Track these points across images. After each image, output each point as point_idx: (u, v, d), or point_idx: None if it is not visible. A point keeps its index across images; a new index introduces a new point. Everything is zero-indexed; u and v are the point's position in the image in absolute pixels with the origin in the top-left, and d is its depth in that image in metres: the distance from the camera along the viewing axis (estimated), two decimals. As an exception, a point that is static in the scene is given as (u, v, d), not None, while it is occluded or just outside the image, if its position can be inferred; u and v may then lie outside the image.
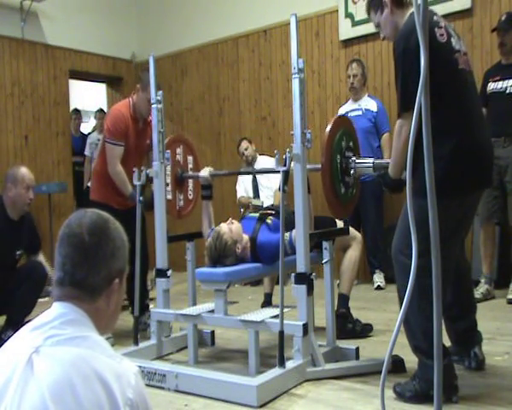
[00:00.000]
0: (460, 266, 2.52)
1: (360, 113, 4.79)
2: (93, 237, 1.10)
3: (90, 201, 3.80)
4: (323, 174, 2.66)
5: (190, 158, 3.65)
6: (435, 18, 2.32)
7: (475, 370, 2.57)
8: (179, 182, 3.52)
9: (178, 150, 3.54)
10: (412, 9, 2.40)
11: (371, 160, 2.73)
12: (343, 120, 2.92)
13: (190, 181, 3.62)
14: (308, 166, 2.75)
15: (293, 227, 2.68)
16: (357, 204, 4.82)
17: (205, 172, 3.35)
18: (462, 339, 2.61)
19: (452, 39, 2.31)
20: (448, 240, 2.16)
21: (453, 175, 2.19)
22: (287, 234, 2.84)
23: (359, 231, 4.78)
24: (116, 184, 3.64)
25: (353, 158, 2.78)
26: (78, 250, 1.09)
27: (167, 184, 3.41)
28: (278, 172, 2.66)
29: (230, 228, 3.01)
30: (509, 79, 3.94)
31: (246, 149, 5.41)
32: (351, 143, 2.82)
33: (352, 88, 4.84)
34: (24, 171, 3.57)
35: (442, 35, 2.26)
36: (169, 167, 3.41)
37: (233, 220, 3.11)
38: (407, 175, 1.46)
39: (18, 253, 3.64)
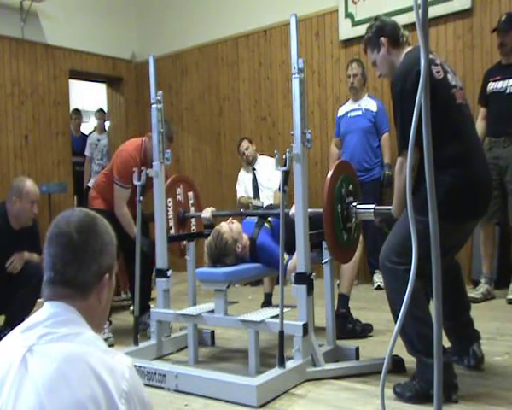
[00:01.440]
0: (450, 266, 2.54)
1: (360, 113, 4.79)
2: (81, 235, 1.10)
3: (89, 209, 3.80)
4: (326, 225, 2.69)
5: (191, 193, 3.70)
6: (431, 56, 2.34)
7: (475, 369, 2.57)
8: (181, 221, 3.57)
9: (178, 190, 3.59)
10: (408, 48, 2.47)
11: (372, 206, 2.77)
12: (343, 166, 2.93)
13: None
14: (309, 210, 2.77)
15: (292, 228, 2.68)
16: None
17: (207, 213, 3.39)
18: (460, 338, 2.62)
19: (448, 75, 2.35)
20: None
21: (452, 202, 2.23)
22: (286, 256, 2.85)
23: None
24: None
25: (354, 204, 2.82)
26: (68, 249, 1.10)
27: (170, 227, 3.47)
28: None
29: (231, 227, 3.02)
30: (509, 78, 3.94)
31: (246, 149, 5.41)
32: (350, 187, 2.85)
33: (352, 88, 4.84)
34: (29, 185, 3.56)
35: (438, 72, 2.31)
36: (171, 210, 3.48)
37: (233, 220, 3.12)
38: (407, 178, 1.46)
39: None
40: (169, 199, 3.49)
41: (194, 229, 3.71)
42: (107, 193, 3.75)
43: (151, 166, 3.52)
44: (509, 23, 3.96)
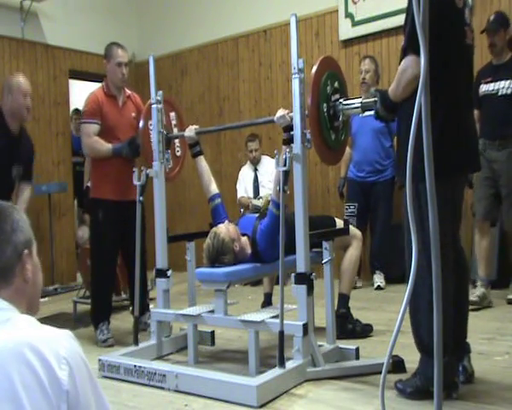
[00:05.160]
0: (459, 266, 2.38)
1: (372, 112, 4.72)
2: None
3: (90, 199, 3.77)
4: (312, 127, 2.61)
5: (173, 114, 3.55)
6: None
7: (465, 383, 2.39)
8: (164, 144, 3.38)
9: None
10: None
11: (358, 100, 2.68)
12: (327, 62, 2.81)
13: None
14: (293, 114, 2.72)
15: (293, 228, 2.68)
16: (368, 203, 4.79)
17: (190, 131, 3.30)
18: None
19: (466, 9, 2.28)
20: (442, 225, 2.14)
21: (442, 156, 2.08)
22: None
23: (366, 230, 4.76)
24: (111, 173, 3.58)
25: (340, 100, 2.72)
26: None
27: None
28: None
29: (228, 228, 3.00)
30: (501, 80, 3.86)
31: (256, 150, 5.40)
32: (336, 84, 2.74)
33: (364, 83, 4.75)
34: (20, 79, 3.57)
35: (459, 0, 2.23)
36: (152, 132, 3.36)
37: (230, 224, 3.10)
38: (407, 178, 1.45)
39: (15, 170, 3.60)
40: (150, 122, 3.36)
41: (178, 150, 3.58)
42: (98, 163, 3.66)
43: (119, 92, 3.66)
44: (497, 23, 3.88)
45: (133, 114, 3.72)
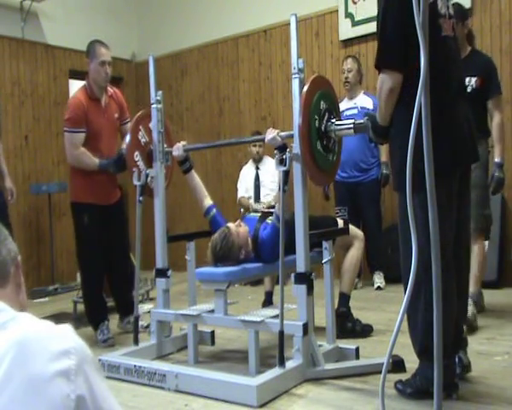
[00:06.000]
0: (458, 262, 2.30)
1: (356, 111, 4.70)
2: None
3: (71, 203, 3.64)
4: (303, 147, 2.60)
5: None
6: None
7: (461, 378, 2.38)
8: (151, 158, 3.32)
9: (140, 134, 3.34)
10: None
11: (351, 121, 2.68)
12: (319, 81, 2.77)
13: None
14: (284, 133, 2.76)
15: (293, 228, 2.67)
16: (356, 204, 4.81)
17: (178, 149, 3.22)
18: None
19: (439, 1, 2.20)
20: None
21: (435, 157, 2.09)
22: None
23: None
24: (93, 179, 3.52)
25: (333, 121, 2.71)
26: None
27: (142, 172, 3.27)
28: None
29: (238, 232, 2.98)
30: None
31: (260, 146, 5.37)
32: (322, 105, 2.69)
33: (347, 83, 4.75)
34: None
35: None
36: (140, 161, 3.32)
37: (241, 223, 3.09)
38: (407, 174, 1.45)
39: None
40: (136, 153, 3.30)
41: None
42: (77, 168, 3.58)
43: (102, 93, 3.54)
44: (457, 15, 3.51)
45: (116, 115, 3.66)
